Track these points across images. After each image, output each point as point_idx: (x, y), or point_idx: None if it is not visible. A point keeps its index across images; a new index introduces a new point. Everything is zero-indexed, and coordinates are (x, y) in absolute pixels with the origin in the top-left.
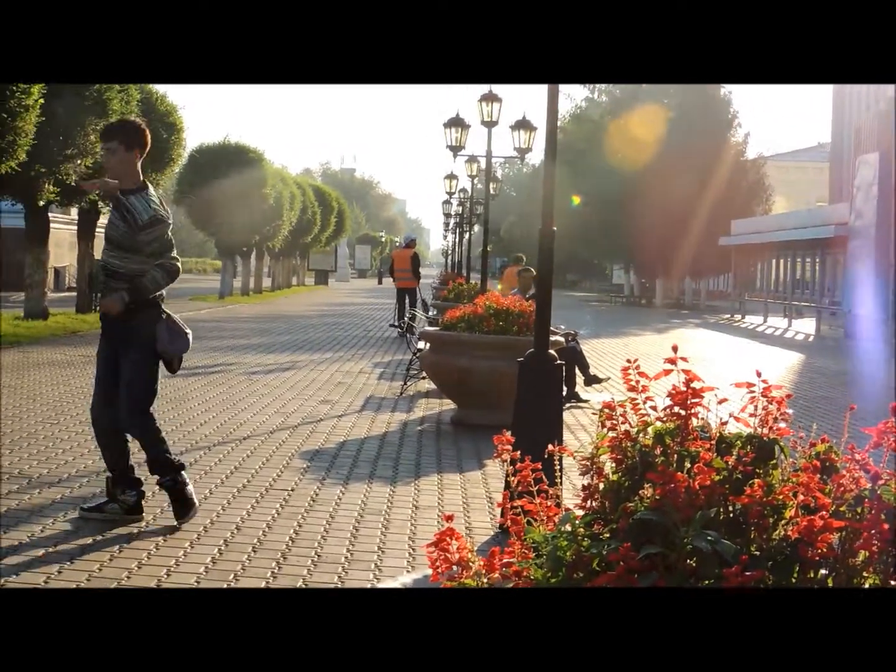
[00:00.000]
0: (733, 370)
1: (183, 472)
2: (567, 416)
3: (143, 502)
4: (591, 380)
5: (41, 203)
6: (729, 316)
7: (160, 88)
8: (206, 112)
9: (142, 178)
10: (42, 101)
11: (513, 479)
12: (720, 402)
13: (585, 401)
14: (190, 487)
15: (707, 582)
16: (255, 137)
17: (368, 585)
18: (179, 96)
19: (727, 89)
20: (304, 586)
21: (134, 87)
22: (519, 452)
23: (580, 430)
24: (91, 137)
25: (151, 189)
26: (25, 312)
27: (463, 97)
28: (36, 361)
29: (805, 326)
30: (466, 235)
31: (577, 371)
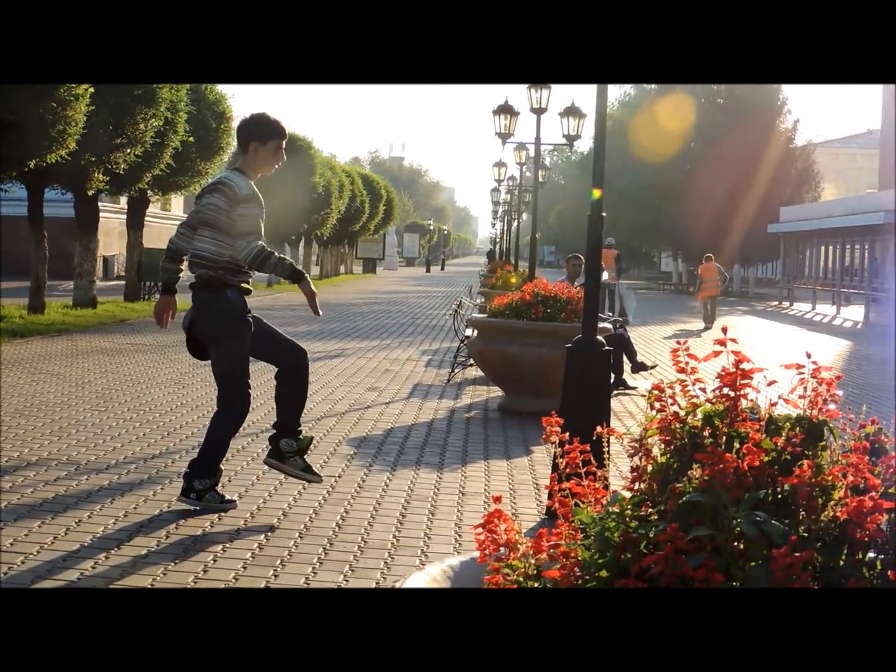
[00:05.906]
0: (782, 356)
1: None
2: (614, 403)
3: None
4: (639, 367)
5: (91, 192)
6: (777, 303)
7: None
8: (256, 101)
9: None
10: (91, 90)
11: (561, 461)
12: (769, 384)
13: (633, 388)
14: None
15: (754, 563)
16: (303, 126)
17: (414, 571)
18: (228, 85)
19: None
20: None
21: None
22: (567, 434)
23: (627, 417)
24: (140, 126)
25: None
26: (74, 301)
27: (512, 84)
28: (84, 349)
29: (854, 314)
30: (515, 223)
31: (624, 358)
